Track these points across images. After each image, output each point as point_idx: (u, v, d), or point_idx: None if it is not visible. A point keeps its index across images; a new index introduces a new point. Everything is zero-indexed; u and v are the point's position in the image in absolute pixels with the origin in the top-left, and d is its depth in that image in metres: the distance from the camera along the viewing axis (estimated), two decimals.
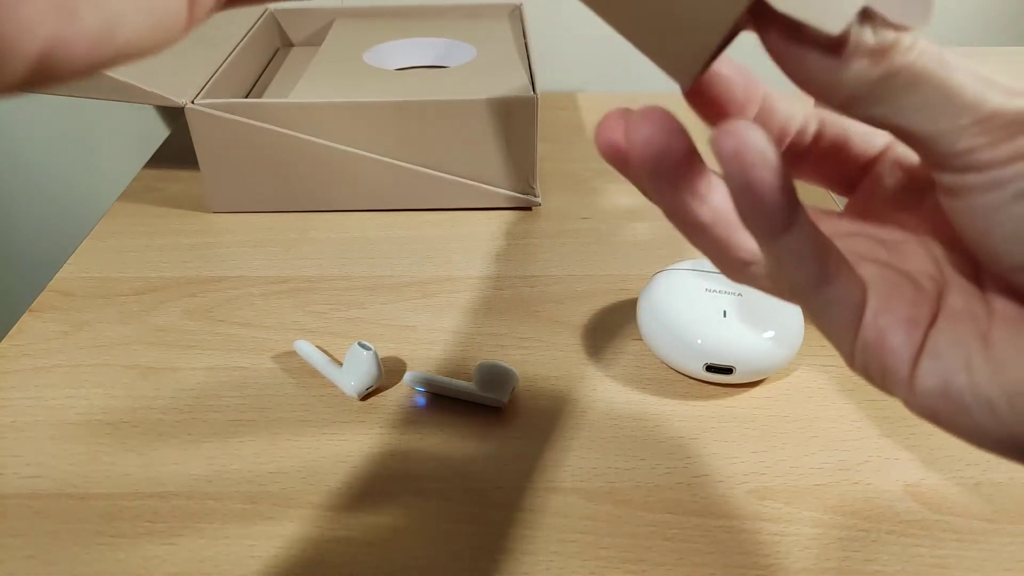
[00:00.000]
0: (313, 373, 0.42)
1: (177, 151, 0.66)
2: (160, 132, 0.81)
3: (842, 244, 0.20)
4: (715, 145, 0.16)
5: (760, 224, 0.17)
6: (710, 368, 0.40)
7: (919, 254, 0.20)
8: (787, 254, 0.18)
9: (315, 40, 0.73)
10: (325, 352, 0.43)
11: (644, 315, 0.42)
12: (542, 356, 0.44)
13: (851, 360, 0.19)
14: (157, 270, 0.51)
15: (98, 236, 0.55)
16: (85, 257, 0.52)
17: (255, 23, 0.67)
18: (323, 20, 0.72)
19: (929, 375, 0.17)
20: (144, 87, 0.52)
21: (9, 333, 0.46)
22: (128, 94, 0.52)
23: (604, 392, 0.41)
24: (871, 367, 0.18)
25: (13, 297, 0.91)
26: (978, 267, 0.19)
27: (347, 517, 0.35)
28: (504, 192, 0.56)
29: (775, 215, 0.17)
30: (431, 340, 0.45)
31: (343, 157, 0.54)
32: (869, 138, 0.21)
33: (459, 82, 0.56)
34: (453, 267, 0.51)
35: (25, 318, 0.47)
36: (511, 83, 0.55)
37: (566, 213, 0.57)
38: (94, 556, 0.33)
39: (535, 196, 0.57)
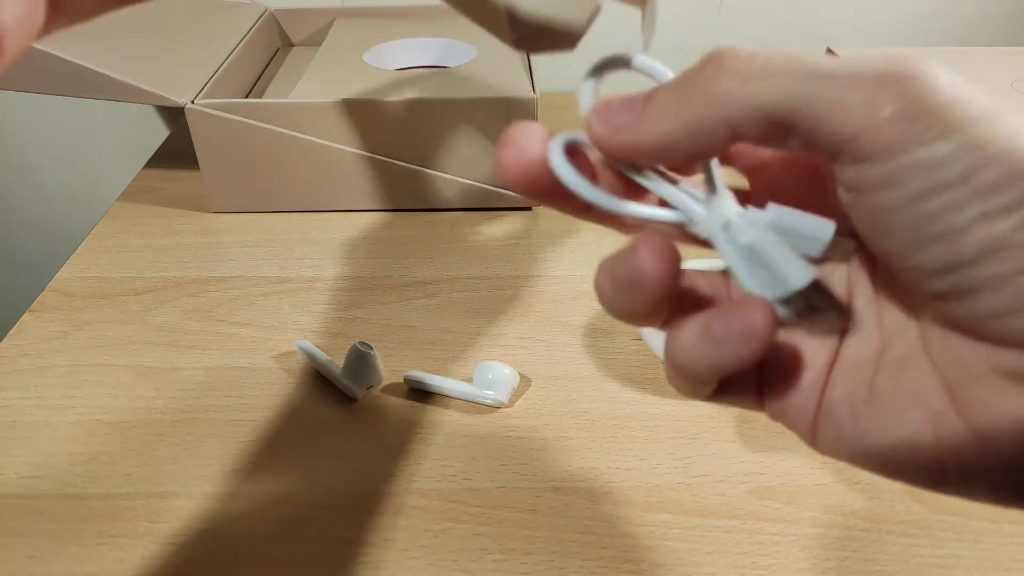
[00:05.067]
0: (313, 373, 0.42)
1: (177, 151, 0.66)
2: (160, 132, 0.81)
3: None
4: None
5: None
6: None
7: (835, 275, 0.19)
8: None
9: (315, 40, 0.73)
10: (325, 352, 0.43)
11: None
12: (542, 356, 0.44)
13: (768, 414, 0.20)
14: (157, 270, 0.51)
15: (98, 236, 0.55)
16: (85, 257, 0.52)
17: (255, 23, 0.67)
18: (323, 20, 0.72)
19: (824, 431, 0.18)
20: (144, 87, 0.52)
21: (9, 333, 0.46)
22: (128, 94, 0.52)
23: (604, 392, 0.41)
24: (781, 422, 0.20)
25: (13, 297, 0.91)
26: (878, 277, 0.19)
27: (347, 517, 0.35)
28: (504, 192, 0.56)
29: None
30: (431, 340, 0.45)
31: (343, 157, 0.54)
32: None
33: (459, 82, 0.56)
34: (453, 267, 0.51)
35: (25, 318, 0.47)
36: (511, 83, 0.55)
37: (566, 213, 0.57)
38: (94, 556, 0.33)
39: None
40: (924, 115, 0.15)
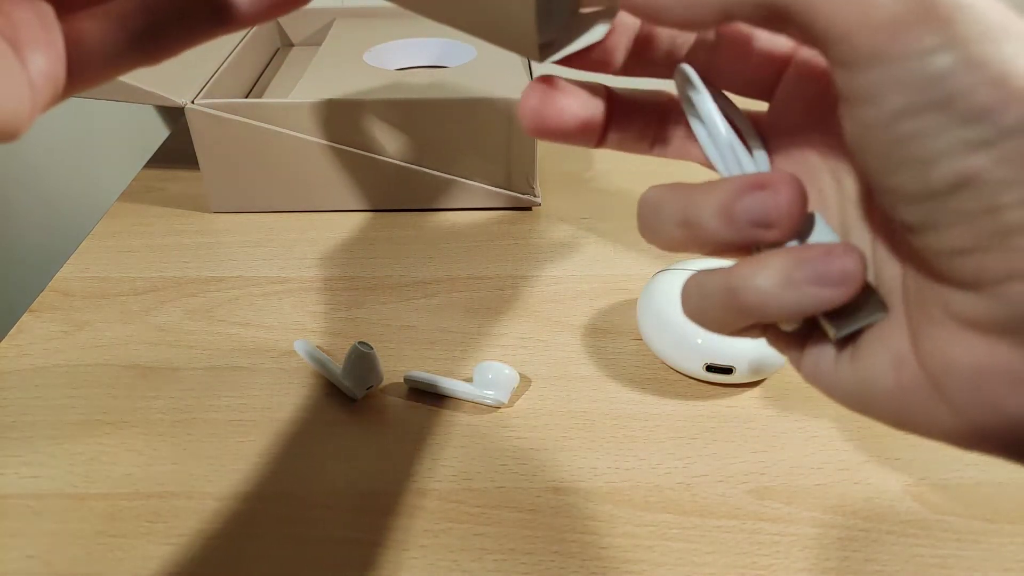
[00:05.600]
0: (313, 373, 0.42)
1: (177, 151, 0.66)
2: (160, 132, 0.81)
3: None
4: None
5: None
6: (710, 368, 0.40)
7: (827, 187, 0.19)
8: None
9: (315, 40, 0.73)
10: (325, 352, 0.43)
11: (644, 315, 0.42)
12: (542, 356, 0.44)
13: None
14: (157, 270, 0.51)
15: (98, 236, 0.55)
16: (85, 257, 0.52)
17: None
18: (323, 20, 0.72)
19: (807, 359, 0.19)
20: (144, 87, 0.52)
21: (9, 333, 0.46)
22: (128, 94, 0.52)
23: (604, 392, 0.41)
24: (776, 348, 0.20)
25: (13, 297, 0.91)
26: (872, 204, 0.18)
27: (347, 517, 0.35)
28: (504, 192, 0.56)
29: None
30: (431, 340, 0.45)
31: (343, 157, 0.54)
32: (773, 39, 0.19)
33: (459, 82, 0.56)
34: (453, 267, 0.51)
35: (25, 318, 0.47)
36: (511, 83, 0.55)
37: (566, 213, 0.57)
38: (94, 556, 0.33)
39: (535, 196, 0.57)
40: (924, 22, 0.13)
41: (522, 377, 0.42)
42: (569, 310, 0.47)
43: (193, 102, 0.52)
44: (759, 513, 0.35)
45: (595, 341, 0.45)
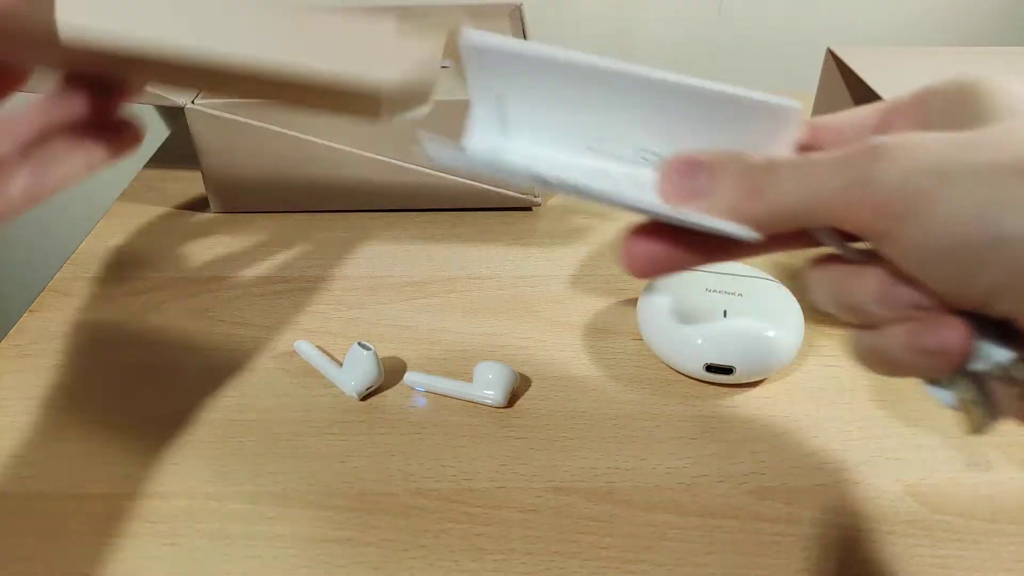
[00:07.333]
0: (313, 373, 0.42)
1: (177, 151, 0.66)
2: (160, 132, 0.81)
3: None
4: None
5: None
6: (710, 368, 0.40)
7: None
8: None
9: None
10: (325, 352, 0.43)
11: (644, 315, 0.42)
12: (542, 356, 0.44)
13: None
14: (157, 270, 0.51)
15: (98, 236, 0.55)
16: (85, 257, 0.52)
17: None
18: None
19: None
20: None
21: (9, 333, 0.46)
22: None
23: (604, 392, 0.41)
24: None
25: (13, 297, 0.91)
26: None
27: (347, 517, 0.35)
28: (504, 192, 0.56)
29: None
30: (431, 340, 0.45)
31: (343, 157, 0.54)
32: None
33: (459, 82, 0.56)
34: (453, 267, 0.51)
35: (25, 318, 0.47)
36: None
37: (566, 213, 0.57)
38: (94, 556, 0.33)
39: (535, 196, 0.57)
40: (884, 205, 0.18)
41: (522, 377, 0.42)
42: (569, 310, 0.47)
43: (193, 102, 0.52)
44: (759, 513, 0.35)
45: (595, 341, 0.45)
